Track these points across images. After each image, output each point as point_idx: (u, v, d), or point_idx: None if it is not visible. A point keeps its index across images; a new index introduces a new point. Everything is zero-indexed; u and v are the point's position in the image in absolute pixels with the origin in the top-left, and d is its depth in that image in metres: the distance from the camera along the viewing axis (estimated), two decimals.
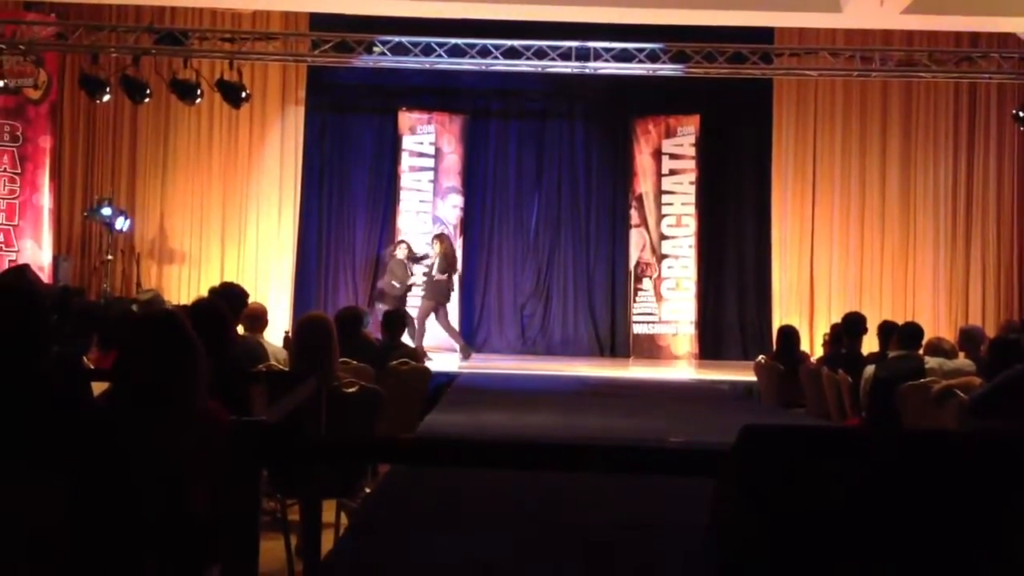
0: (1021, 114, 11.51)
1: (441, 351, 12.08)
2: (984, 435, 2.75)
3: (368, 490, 4.55)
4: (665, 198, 13.07)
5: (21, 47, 11.10)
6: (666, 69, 11.37)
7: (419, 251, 12.20)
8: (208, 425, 2.70)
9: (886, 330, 7.62)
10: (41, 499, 2.39)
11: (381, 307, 11.38)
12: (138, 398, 2.75)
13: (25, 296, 2.73)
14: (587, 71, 11.37)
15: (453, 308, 12.86)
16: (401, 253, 11.92)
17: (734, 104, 13.05)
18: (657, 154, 13.11)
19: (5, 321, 2.67)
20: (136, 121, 12.68)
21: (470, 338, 13.21)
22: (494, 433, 6.02)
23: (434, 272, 11.50)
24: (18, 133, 11.92)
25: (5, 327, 2.65)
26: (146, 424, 2.66)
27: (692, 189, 13.05)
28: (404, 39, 11.22)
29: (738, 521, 1.74)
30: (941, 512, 1.71)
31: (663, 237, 13.06)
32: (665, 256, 13.06)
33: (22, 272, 6.13)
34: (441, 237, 11.92)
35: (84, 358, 5.01)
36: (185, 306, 5.14)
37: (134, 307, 6.73)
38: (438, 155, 13.11)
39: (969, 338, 7.19)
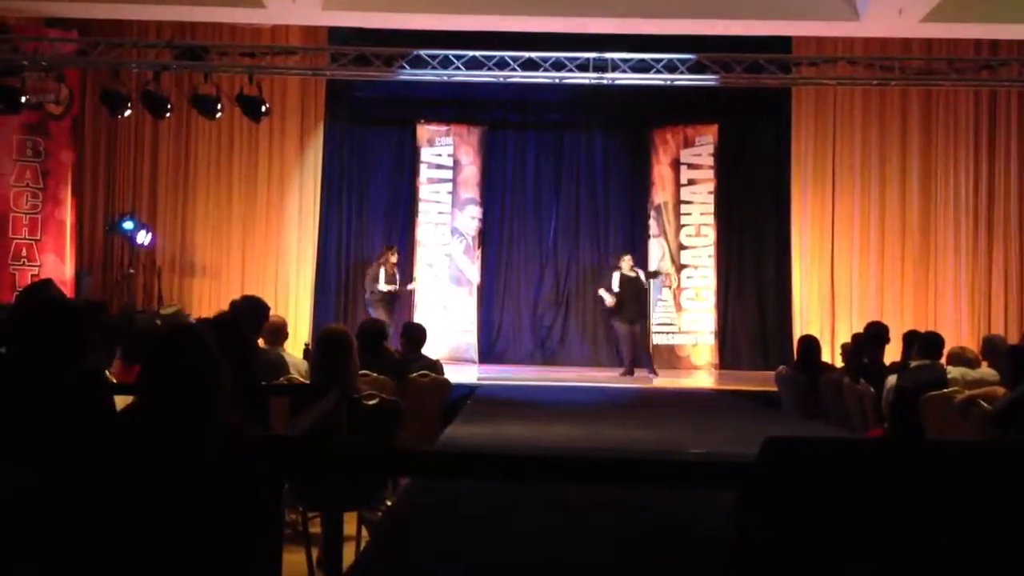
0: None
1: (461, 362, 12.11)
2: (1008, 446, 2.73)
3: (389, 503, 4.56)
4: (684, 208, 13.05)
5: (43, 63, 11.19)
6: (684, 79, 11.35)
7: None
8: (230, 438, 2.71)
9: (910, 339, 7.55)
10: (65, 507, 2.41)
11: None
12: (160, 411, 2.76)
13: (69, 311, 2.76)
14: (605, 82, 11.36)
15: (471, 320, 12.87)
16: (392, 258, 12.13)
17: (753, 114, 13.03)
18: (675, 164, 13.09)
19: (45, 333, 2.69)
20: (157, 136, 12.76)
21: (489, 348, 13.22)
22: (515, 445, 6.01)
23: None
24: (40, 148, 12.04)
25: (44, 339, 2.67)
26: (169, 437, 2.67)
27: (711, 199, 13.02)
28: (422, 52, 11.26)
29: (761, 531, 1.73)
30: (965, 523, 1.70)
31: (682, 247, 13.04)
32: (684, 266, 13.03)
33: (46, 286, 6.16)
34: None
35: (107, 372, 5.05)
36: (207, 320, 5.17)
37: (158, 321, 6.78)
38: (456, 167, 13.13)
39: (992, 347, 7.11)
